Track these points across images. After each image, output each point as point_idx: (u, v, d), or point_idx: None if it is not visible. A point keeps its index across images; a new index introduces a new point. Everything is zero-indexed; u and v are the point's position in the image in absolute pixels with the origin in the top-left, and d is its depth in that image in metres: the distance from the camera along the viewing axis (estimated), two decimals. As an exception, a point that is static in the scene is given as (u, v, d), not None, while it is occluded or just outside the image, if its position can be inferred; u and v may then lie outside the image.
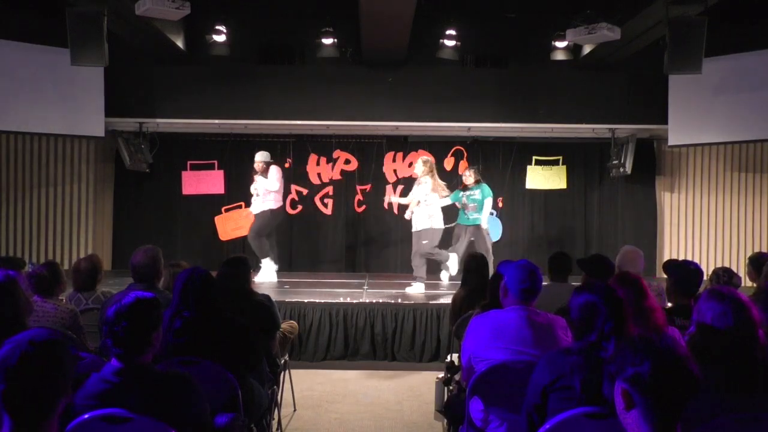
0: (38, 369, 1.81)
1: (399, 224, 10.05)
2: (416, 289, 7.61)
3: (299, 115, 8.90)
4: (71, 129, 8.61)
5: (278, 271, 8.48)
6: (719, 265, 9.34)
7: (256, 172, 8.23)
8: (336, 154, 9.98)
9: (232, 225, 9.45)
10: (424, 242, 7.63)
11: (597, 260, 4.57)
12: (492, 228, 8.65)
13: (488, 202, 8.21)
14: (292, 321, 5.78)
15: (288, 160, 9.90)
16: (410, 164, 9.97)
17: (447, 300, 6.89)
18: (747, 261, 5.50)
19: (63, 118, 8.40)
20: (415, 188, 7.82)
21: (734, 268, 9.20)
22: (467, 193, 8.33)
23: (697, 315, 2.54)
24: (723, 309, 2.46)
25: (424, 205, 7.67)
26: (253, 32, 8.87)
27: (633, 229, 10.04)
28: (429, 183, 7.65)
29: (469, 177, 8.39)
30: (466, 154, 9.94)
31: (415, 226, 7.76)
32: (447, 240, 8.36)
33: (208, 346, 3.23)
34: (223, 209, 9.48)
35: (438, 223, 7.71)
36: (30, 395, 1.80)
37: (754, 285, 5.05)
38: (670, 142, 8.82)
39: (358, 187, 10.00)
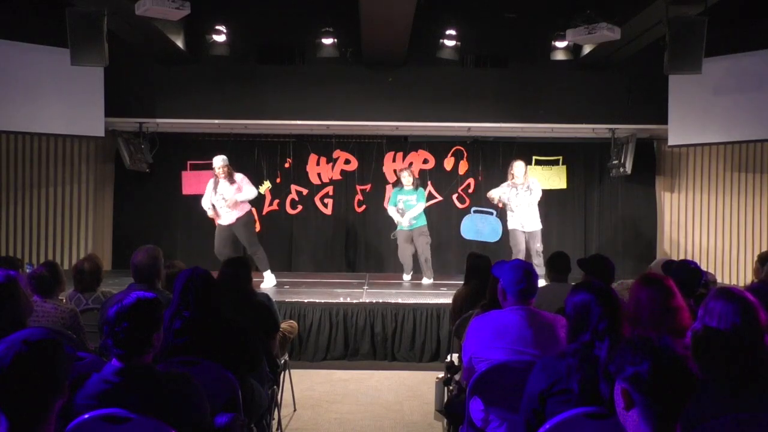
0: (32, 369, 1.81)
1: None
2: None
3: (299, 115, 8.90)
4: (71, 129, 8.60)
5: (278, 271, 8.48)
6: (719, 265, 9.38)
7: (217, 177, 7.67)
8: (336, 154, 9.98)
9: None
10: (539, 245, 7.98)
11: (597, 260, 4.57)
12: (493, 228, 8.68)
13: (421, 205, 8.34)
14: (291, 321, 5.79)
15: (288, 160, 9.91)
16: (410, 164, 9.99)
17: (447, 300, 6.90)
18: (756, 259, 5.52)
19: (63, 118, 8.40)
20: (528, 193, 7.99)
21: (735, 268, 9.31)
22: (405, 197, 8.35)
23: (704, 313, 2.54)
24: (731, 308, 2.46)
25: (535, 206, 8.06)
26: (253, 32, 8.86)
27: (633, 229, 10.05)
28: (538, 185, 8.11)
29: (408, 178, 8.35)
30: (466, 154, 9.94)
31: (533, 227, 8.02)
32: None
33: (208, 346, 3.23)
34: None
35: None
36: (25, 395, 1.80)
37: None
38: (670, 142, 8.82)
39: (358, 187, 10.00)
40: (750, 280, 7.03)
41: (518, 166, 8.05)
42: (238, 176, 7.75)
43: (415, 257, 8.49)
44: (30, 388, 1.80)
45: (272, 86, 8.81)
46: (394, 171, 9.97)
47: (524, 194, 8.00)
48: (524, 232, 8.01)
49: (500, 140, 9.81)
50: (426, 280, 8.37)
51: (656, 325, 2.77)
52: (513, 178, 8.06)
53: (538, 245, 7.98)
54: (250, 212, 7.91)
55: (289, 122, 9.07)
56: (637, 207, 10.04)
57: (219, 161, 7.67)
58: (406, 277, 8.51)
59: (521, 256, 7.79)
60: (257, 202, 9.82)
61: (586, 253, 9.50)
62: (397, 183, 8.55)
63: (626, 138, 9.20)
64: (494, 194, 8.13)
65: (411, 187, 8.31)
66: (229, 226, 7.70)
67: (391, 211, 8.40)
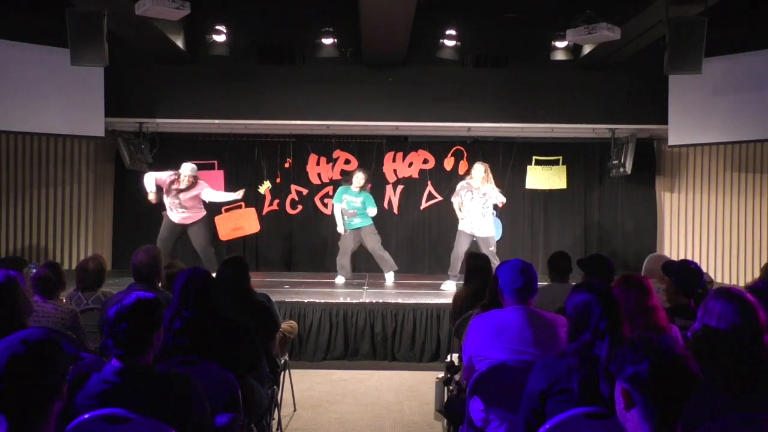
0: (29, 369, 1.81)
1: (399, 224, 10.06)
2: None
3: (299, 115, 8.90)
4: (71, 129, 8.60)
5: (278, 271, 8.49)
6: (719, 265, 9.38)
7: (178, 184, 7.85)
8: (336, 154, 9.98)
9: (232, 225, 9.44)
10: (492, 248, 7.76)
11: (596, 260, 4.57)
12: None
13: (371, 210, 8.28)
14: (291, 321, 5.79)
15: (288, 160, 9.91)
16: (410, 164, 9.99)
17: (447, 300, 6.90)
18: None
19: (63, 118, 8.40)
20: (483, 200, 7.79)
21: (735, 268, 9.30)
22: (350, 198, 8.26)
23: (703, 313, 2.54)
24: (729, 308, 2.47)
25: (490, 213, 7.90)
26: (253, 32, 8.86)
27: (633, 229, 10.04)
28: (496, 192, 7.88)
29: (360, 179, 8.24)
30: (466, 154, 9.94)
31: (486, 233, 7.83)
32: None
33: (208, 346, 3.23)
34: (223, 209, 9.47)
35: None
36: (22, 395, 1.79)
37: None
38: (670, 142, 8.82)
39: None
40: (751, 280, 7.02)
41: (477, 170, 7.79)
42: (201, 184, 8.08)
43: (354, 258, 8.54)
44: (27, 388, 1.80)
45: (272, 86, 8.81)
46: (394, 171, 9.98)
47: (479, 200, 7.78)
48: (474, 237, 7.81)
49: (500, 140, 9.81)
50: (391, 276, 8.32)
51: (631, 324, 2.79)
52: (470, 178, 7.86)
53: (491, 249, 7.74)
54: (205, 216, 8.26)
55: (289, 122, 9.06)
56: (637, 207, 10.03)
57: (188, 170, 7.92)
58: (341, 280, 8.33)
59: (460, 258, 7.69)
60: (257, 202, 9.86)
61: (586, 253, 9.48)
62: (348, 181, 8.37)
63: (626, 138, 9.20)
64: (455, 201, 8.00)
65: (357, 189, 8.19)
66: (181, 224, 7.99)
67: (337, 210, 8.30)
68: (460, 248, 7.81)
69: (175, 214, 7.97)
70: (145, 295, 2.53)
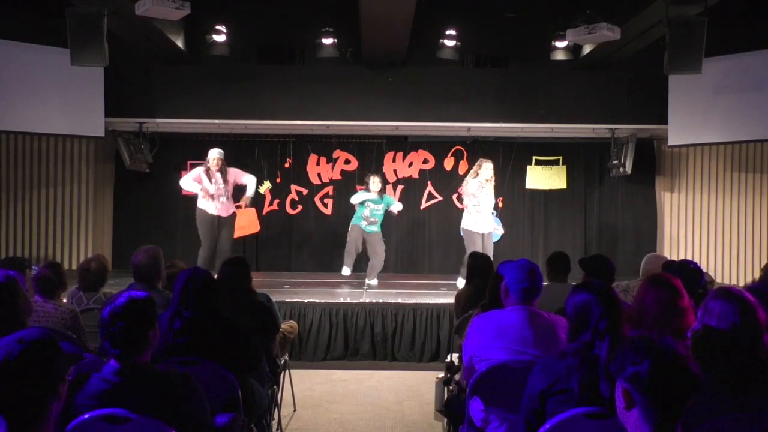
0: (25, 368, 1.81)
1: (399, 224, 10.06)
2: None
3: (299, 115, 8.90)
4: (71, 129, 8.60)
5: (278, 271, 8.47)
6: (719, 265, 9.38)
7: (211, 170, 7.72)
8: (336, 154, 9.98)
9: (232, 225, 9.45)
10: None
11: (596, 260, 4.57)
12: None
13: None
14: (291, 321, 5.79)
15: (288, 160, 9.91)
16: (410, 164, 9.99)
17: (447, 300, 6.91)
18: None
19: (63, 118, 8.40)
20: (486, 192, 7.79)
21: (735, 268, 9.30)
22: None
23: (703, 313, 2.54)
24: (729, 308, 2.47)
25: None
26: (253, 32, 8.87)
27: (633, 229, 10.04)
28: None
29: (378, 184, 8.24)
30: (466, 154, 9.94)
31: (491, 227, 7.88)
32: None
33: (208, 346, 3.22)
34: (223, 209, 9.47)
35: None
36: (19, 394, 1.79)
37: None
38: (670, 142, 8.82)
39: (358, 188, 9.96)
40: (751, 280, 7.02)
41: (488, 168, 7.78)
42: (231, 171, 7.92)
43: (361, 256, 8.49)
44: (24, 388, 1.80)
45: (272, 86, 8.81)
46: (394, 171, 9.98)
47: (492, 196, 7.88)
48: (483, 234, 7.75)
49: (500, 140, 9.81)
50: (374, 281, 8.25)
51: (661, 325, 2.77)
52: (477, 176, 7.77)
53: (491, 247, 7.75)
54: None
55: (289, 122, 9.07)
56: (637, 207, 10.03)
57: (216, 153, 7.77)
58: (347, 272, 8.24)
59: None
60: (257, 202, 9.86)
61: (586, 253, 9.49)
62: (366, 186, 8.35)
63: (626, 138, 9.20)
64: (471, 190, 7.80)
65: (377, 195, 8.21)
66: (219, 216, 7.79)
67: (356, 198, 8.26)
68: (477, 248, 7.66)
69: (214, 204, 7.73)
70: (137, 293, 2.53)
